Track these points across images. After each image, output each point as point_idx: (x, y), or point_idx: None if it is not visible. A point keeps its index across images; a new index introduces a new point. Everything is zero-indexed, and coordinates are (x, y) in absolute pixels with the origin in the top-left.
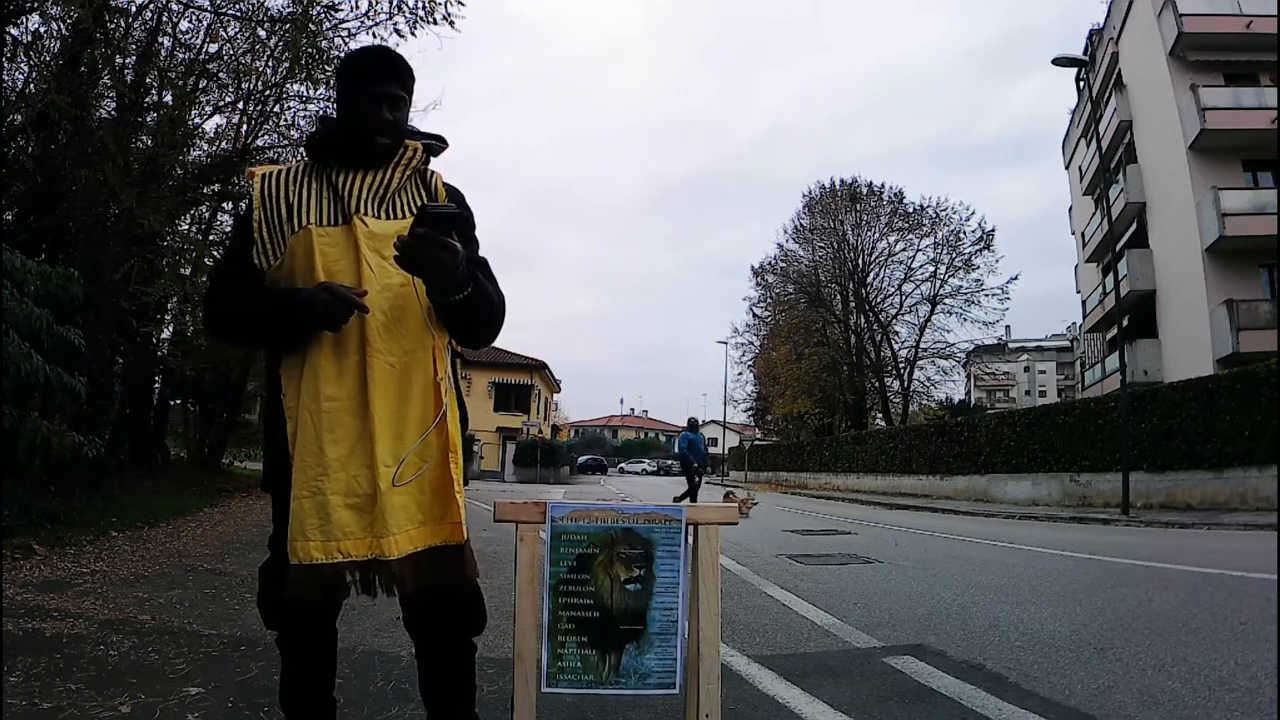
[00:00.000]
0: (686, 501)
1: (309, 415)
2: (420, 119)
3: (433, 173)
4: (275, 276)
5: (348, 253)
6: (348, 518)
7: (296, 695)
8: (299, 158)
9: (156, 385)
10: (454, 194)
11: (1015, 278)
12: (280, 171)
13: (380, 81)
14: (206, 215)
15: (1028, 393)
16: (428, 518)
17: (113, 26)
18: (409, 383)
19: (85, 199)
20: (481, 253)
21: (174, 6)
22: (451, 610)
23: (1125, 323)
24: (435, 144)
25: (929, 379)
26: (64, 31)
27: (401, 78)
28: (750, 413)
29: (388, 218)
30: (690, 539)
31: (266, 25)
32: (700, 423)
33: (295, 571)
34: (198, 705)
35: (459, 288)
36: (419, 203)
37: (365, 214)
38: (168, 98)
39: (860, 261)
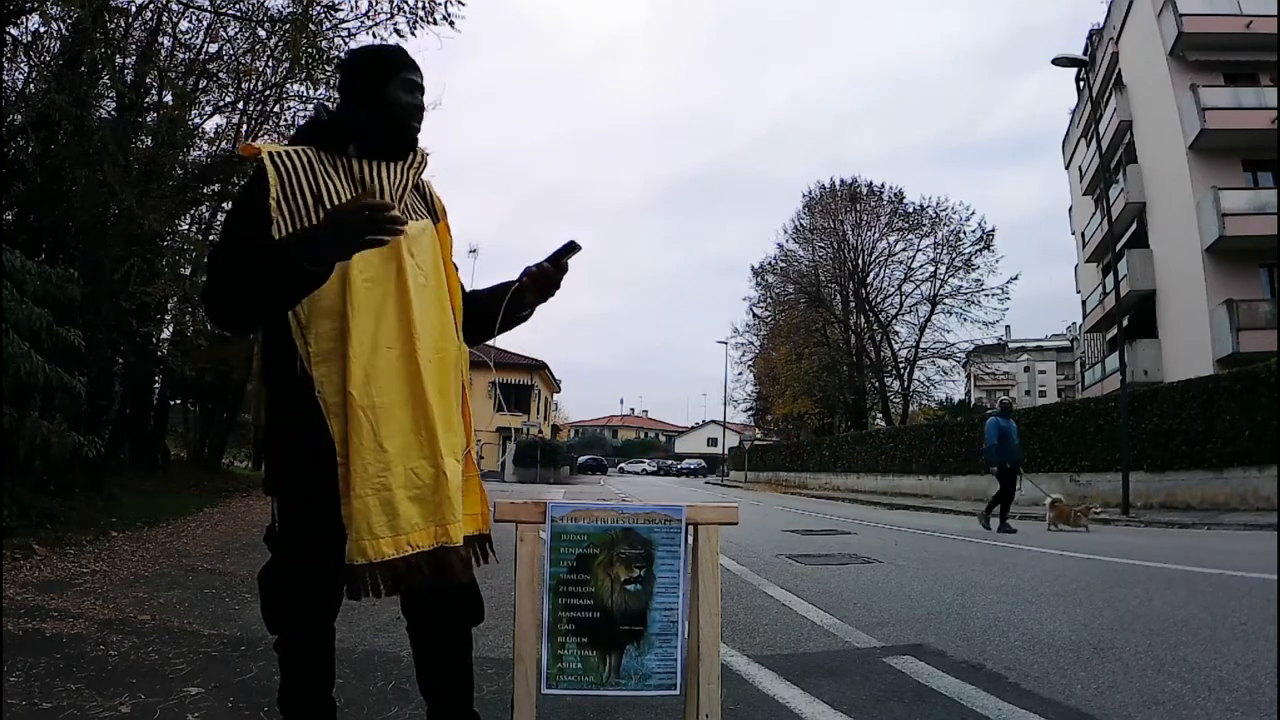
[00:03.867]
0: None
1: (362, 412)
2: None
3: (425, 181)
4: None
5: (384, 249)
6: (412, 510)
7: (298, 698)
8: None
9: (156, 385)
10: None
11: (1015, 278)
12: (289, 152)
13: (413, 69)
14: (206, 215)
15: (1028, 393)
16: (467, 509)
17: (113, 26)
18: (445, 378)
19: (85, 199)
20: (482, 251)
21: (174, 6)
22: (451, 602)
23: (1125, 323)
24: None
25: (929, 379)
26: (64, 31)
27: (421, 72)
28: (750, 413)
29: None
30: (690, 539)
31: (266, 25)
32: (1012, 404)
33: (366, 571)
34: (198, 705)
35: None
36: (419, 208)
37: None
38: (168, 98)
39: (860, 261)
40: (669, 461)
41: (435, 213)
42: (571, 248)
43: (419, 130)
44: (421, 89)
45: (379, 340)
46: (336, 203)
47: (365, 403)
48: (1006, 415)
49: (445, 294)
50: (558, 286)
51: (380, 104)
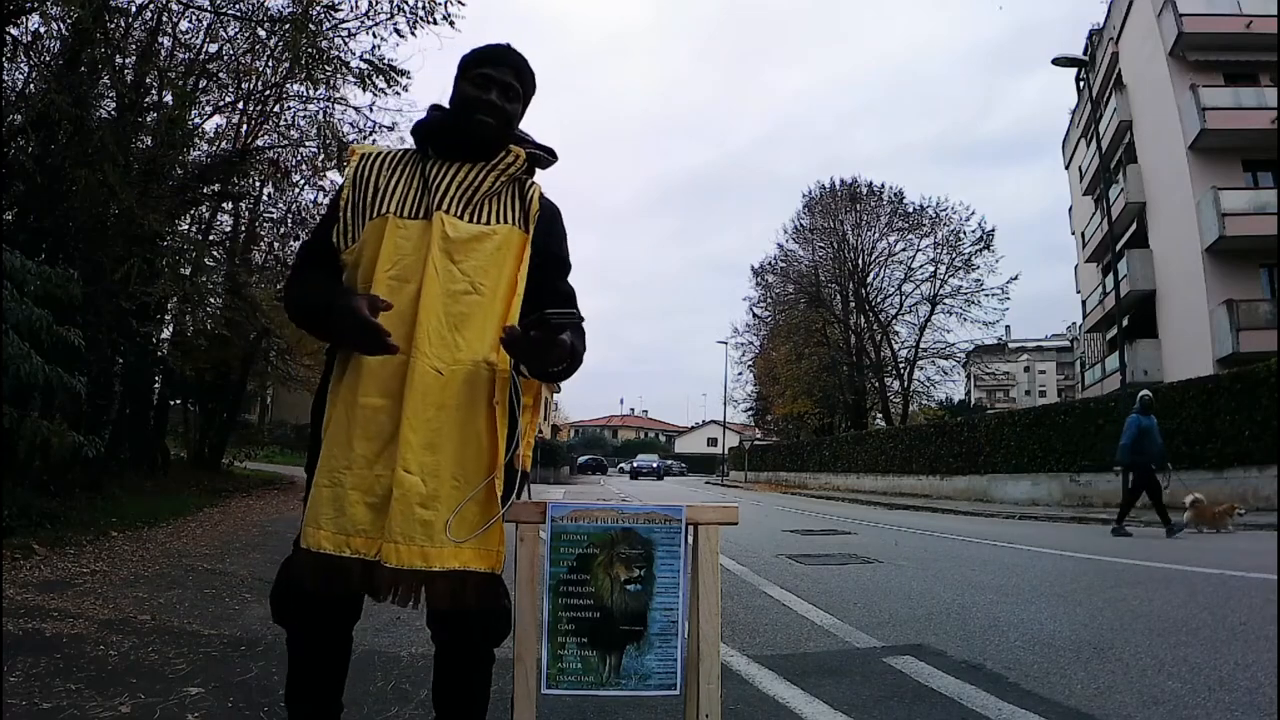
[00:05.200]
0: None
1: (344, 408)
2: None
3: (533, 184)
4: (348, 260)
5: (419, 249)
6: (362, 514)
7: (296, 695)
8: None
9: (156, 385)
10: (550, 210)
11: (1015, 278)
12: (380, 154)
13: (492, 64)
14: (206, 215)
15: (1028, 393)
16: (470, 541)
17: (113, 26)
18: (455, 393)
19: (85, 199)
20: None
21: (174, 6)
22: (474, 619)
23: (1125, 323)
24: (543, 156)
25: (929, 379)
26: (64, 31)
27: (517, 69)
28: (750, 413)
29: (472, 220)
30: (690, 539)
31: (266, 25)
32: (1152, 401)
33: (303, 557)
34: (198, 705)
35: (554, 366)
36: (513, 212)
37: (448, 212)
38: (168, 98)
39: (860, 261)
40: (668, 461)
41: (528, 219)
42: (550, 321)
43: (491, 124)
44: (499, 83)
45: None
46: (395, 200)
47: (349, 399)
48: (1147, 412)
49: (502, 306)
50: (540, 360)
51: (453, 98)
